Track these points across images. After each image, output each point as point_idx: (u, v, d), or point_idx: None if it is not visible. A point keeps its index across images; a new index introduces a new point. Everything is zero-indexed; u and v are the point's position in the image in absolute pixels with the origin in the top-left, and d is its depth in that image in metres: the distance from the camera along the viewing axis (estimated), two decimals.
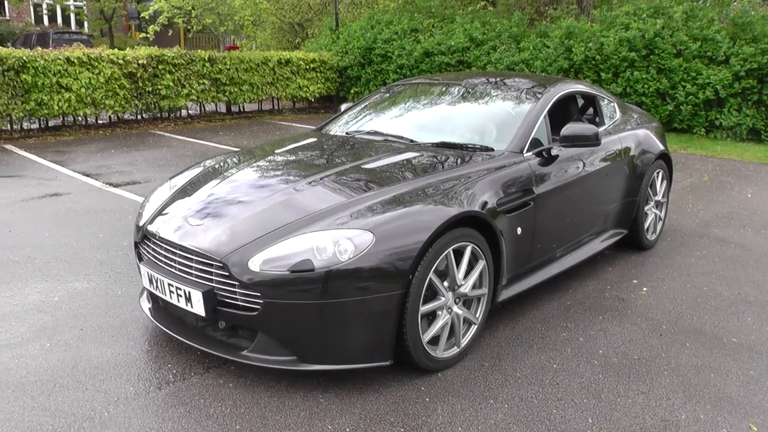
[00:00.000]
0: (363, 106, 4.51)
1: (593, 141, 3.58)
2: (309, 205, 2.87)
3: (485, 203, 3.04)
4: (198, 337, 2.87)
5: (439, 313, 2.87)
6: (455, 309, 2.93)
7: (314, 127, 4.56)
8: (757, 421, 2.63)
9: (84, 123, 10.37)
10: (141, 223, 3.19)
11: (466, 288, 2.95)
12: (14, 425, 2.47)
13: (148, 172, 7.18)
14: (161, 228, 3.00)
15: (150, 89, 10.40)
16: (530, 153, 3.53)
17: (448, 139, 3.68)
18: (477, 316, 3.08)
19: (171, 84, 10.61)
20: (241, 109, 12.68)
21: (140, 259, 3.17)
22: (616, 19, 11.41)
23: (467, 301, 3.02)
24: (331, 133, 4.18)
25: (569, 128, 3.59)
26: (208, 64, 11.20)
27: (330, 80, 13.74)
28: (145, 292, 3.29)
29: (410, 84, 4.65)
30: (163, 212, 3.14)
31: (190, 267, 2.79)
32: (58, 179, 6.79)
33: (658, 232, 4.91)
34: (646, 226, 4.68)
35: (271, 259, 2.59)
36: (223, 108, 12.51)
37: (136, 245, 3.23)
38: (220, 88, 11.56)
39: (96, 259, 4.34)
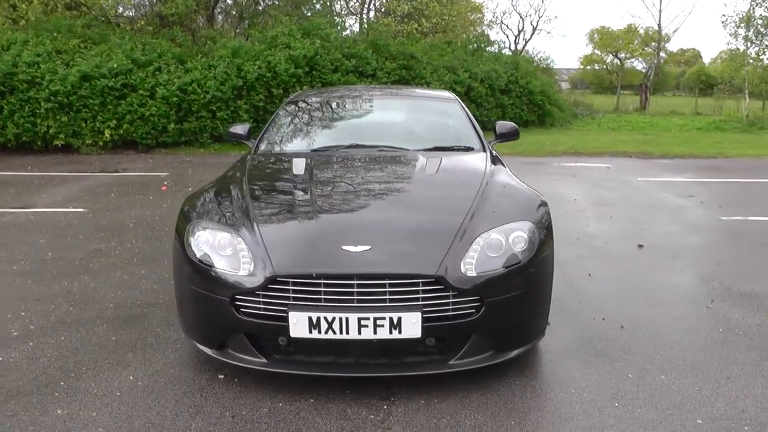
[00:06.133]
0: (281, 125, 4.39)
1: (516, 135, 4.52)
2: (446, 206, 3.11)
3: None
4: (385, 367, 2.76)
5: None
6: None
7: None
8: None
9: None
10: (266, 274, 2.68)
11: None
12: None
13: None
14: (310, 266, 2.67)
15: None
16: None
17: (427, 145, 4.02)
18: None
19: None
20: None
21: (268, 312, 2.69)
22: (276, 39, 12.51)
23: None
24: (311, 150, 4.04)
25: (502, 126, 4.46)
26: None
27: None
28: (230, 350, 2.83)
29: (325, 94, 4.91)
30: (281, 249, 2.74)
31: (382, 293, 2.64)
32: None
33: None
34: None
35: (481, 262, 2.77)
36: None
37: (236, 299, 2.71)
38: None
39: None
